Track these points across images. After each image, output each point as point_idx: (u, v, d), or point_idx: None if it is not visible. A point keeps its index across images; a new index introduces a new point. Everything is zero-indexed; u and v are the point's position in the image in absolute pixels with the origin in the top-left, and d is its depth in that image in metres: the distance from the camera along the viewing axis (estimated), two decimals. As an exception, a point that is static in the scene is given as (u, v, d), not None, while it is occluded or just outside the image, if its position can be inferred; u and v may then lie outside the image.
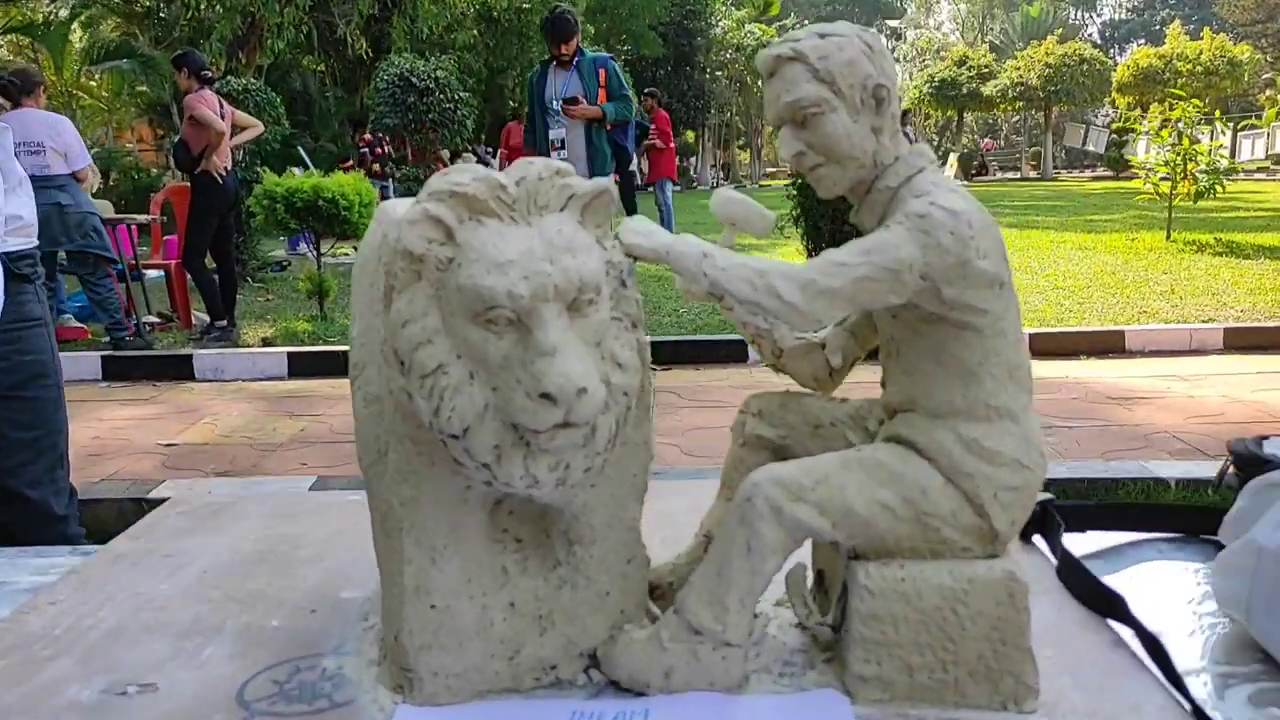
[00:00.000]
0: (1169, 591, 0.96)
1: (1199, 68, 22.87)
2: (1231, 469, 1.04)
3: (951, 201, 0.73)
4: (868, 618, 0.73)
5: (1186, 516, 1.08)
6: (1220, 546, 0.89)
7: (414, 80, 11.50)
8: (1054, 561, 0.95)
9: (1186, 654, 0.83)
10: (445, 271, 0.70)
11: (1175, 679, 0.75)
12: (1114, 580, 1.00)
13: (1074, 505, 1.08)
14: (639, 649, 0.76)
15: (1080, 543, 1.06)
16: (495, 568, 0.78)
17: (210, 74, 5.74)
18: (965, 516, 0.73)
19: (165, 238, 6.67)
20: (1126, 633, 0.82)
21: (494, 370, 0.70)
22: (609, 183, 0.74)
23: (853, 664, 0.74)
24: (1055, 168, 27.23)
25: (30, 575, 1.06)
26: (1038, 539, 1.01)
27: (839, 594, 0.78)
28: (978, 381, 0.74)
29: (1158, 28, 36.08)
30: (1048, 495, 1.04)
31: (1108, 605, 0.85)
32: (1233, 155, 16.38)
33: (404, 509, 0.77)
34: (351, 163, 10.54)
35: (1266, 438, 1.03)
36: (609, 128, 5.29)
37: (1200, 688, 0.78)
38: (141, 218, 6.64)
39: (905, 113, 12.71)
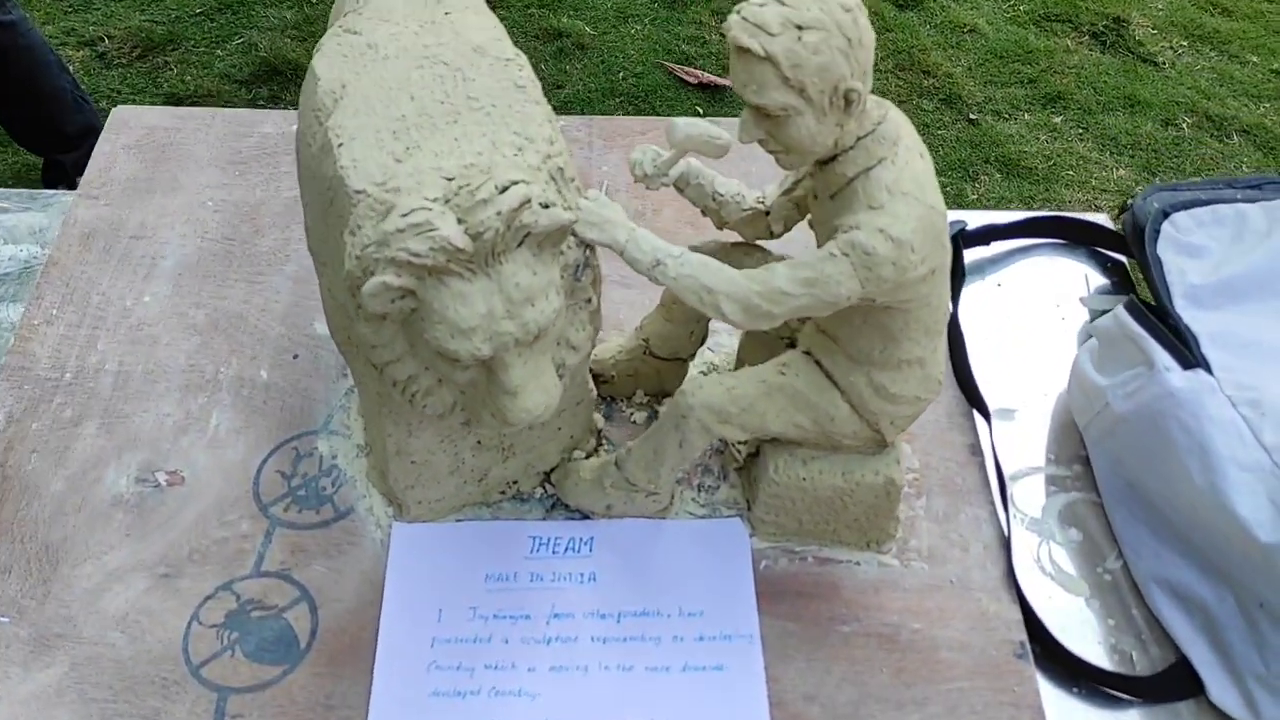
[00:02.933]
0: (1043, 289, 1.13)
1: None
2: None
3: (900, 227, 0.73)
4: (771, 496, 0.90)
5: (1087, 230, 1.17)
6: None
7: None
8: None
9: (1028, 436, 1.02)
10: (408, 315, 0.72)
11: (1006, 506, 0.96)
12: (997, 275, 1.15)
13: (986, 227, 1.16)
14: (586, 487, 0.93)
15: (983, 252, 1.18)
16: (462, 428, 0.91)
17: None
18: (864, 433, 0.86)
19: None
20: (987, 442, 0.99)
21: (460, 386, 0.76)
22: (568, 219, 0.71)
23: (755, 510, 0.93)
24: None
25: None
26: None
27: (751, 453, 0.94)
28: (895, 343, 0.81)
29: None
30: (960, 222, 1.13)
31: (980, 408, 1.01)
32: None
33: (379, 397, 0.87)
34: None
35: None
36: None
37: (1026, 490, 0.99)
38: None
39: None
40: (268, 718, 0.83)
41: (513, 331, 0.71)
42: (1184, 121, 2.68)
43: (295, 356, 1.05)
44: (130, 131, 1.23)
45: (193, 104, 2.51)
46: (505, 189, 0.69)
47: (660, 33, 2.83)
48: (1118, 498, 0.95)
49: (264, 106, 2.52)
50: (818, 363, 0.85)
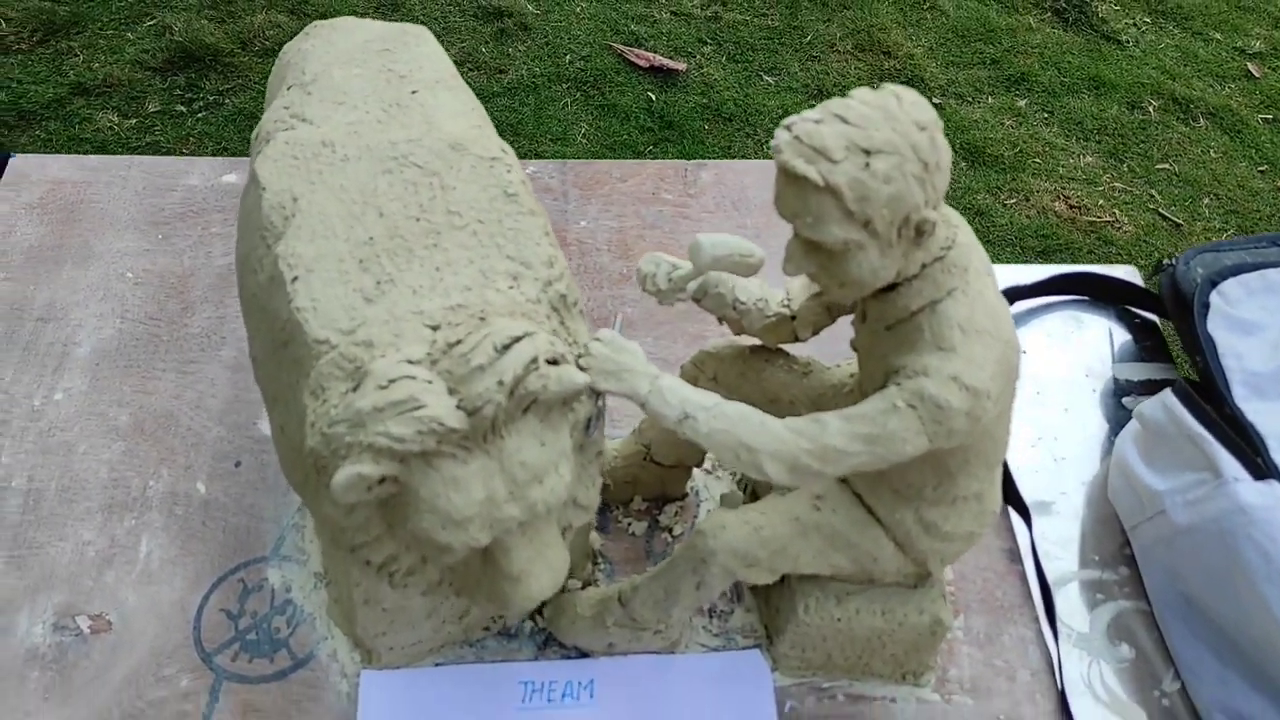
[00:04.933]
0: (1070, 355, 1.03)
1: None
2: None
3: (976, 374, 0.61)
4: (800, 634, 0.79)
5: (1117, 288, 1.07)
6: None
7: None
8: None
9: (1065, 534, 0.92)
10: (389, 499, 0.59)
11: (1053, 621, 0.86)
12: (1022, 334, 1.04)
13: (1008, 289, 1.05)
14: (585, 625, 0.81)
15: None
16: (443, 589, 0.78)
17: None
18: (907, 569, 0.76)
19: None
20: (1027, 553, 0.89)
21: (450, 565, 0.63)
22: (583, 382, 0.59)
23: (779, 646, 0.82)
24: None
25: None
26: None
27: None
28: (952, 479, 0.70)
29: None
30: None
31: (1020, 508, 0.91)
32: None
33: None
34: None
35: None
36: None
37: (1070, 598, 0.89)
38: None
39: None
40: None
41: (517, 516, 0.58)
42: (1150, 104, 2.60)
43: (237, 464, 0.90)
44: (32, 187, 1.06)
45: (101, 94, 2.30)
46: (506, 347, 0.56)
47: (608, 11, 2.67)
48: (1174, 613, 0.86)
49: (181, 96, 2.32)
50: (857, 495, 0.74)
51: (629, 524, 0.90)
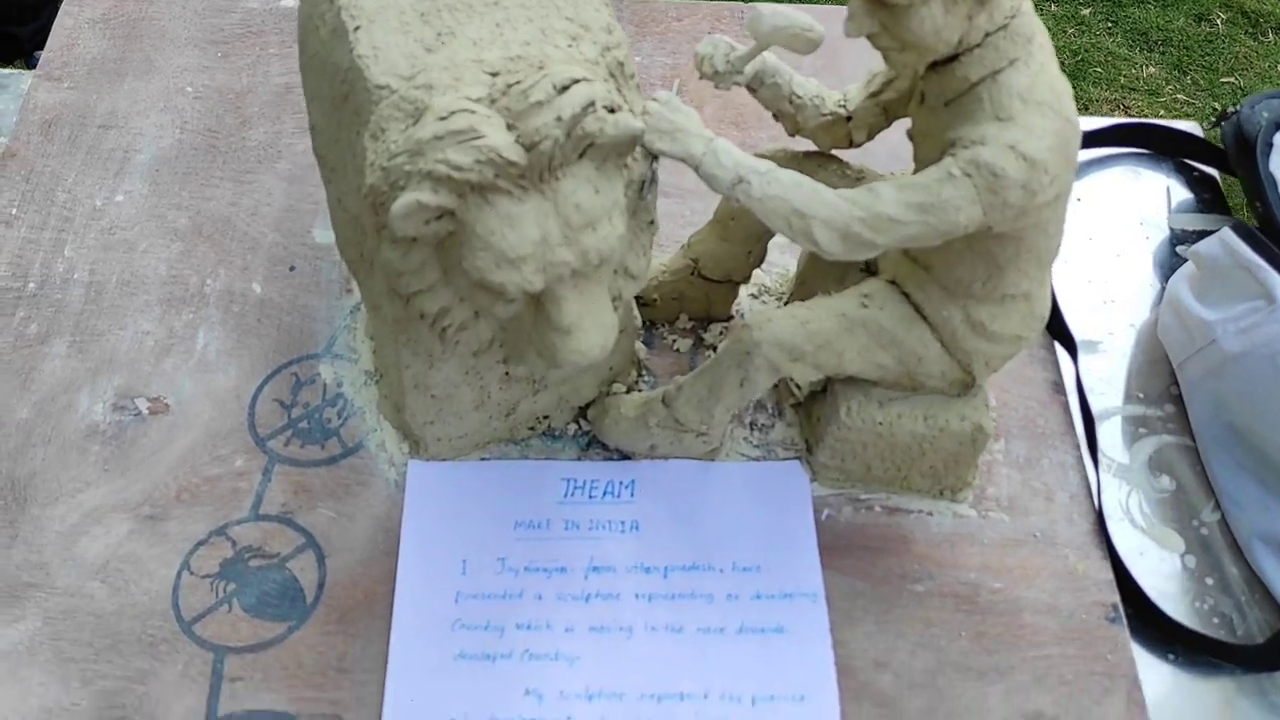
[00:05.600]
0: (1125, 205, 1.03)
1: None
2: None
3: (1034, 143, 0.61)
4: (841, 439, 0.80)
5: (1177, 139, 1.05)
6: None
7: None
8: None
9: (1111, 372, 0.92)
10: (445, 238, 0.60)
11: (1094, 452, 0.86)
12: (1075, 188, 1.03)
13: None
14: (628, 426, 0.83)
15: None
16: (491, 358, 0.79)
17: None
18: (952, 374, 0.76)
19: None
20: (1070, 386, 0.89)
21: (502, 321, 0.65)
22: (639, 128, 0.59)
23: (818, 454, 0.83)
24: None
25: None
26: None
27: (814, 390, 0.83)
28: (1001, 274, 0.70)
29: None
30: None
31: (1066, 342, 0.91)
32: None
33: (396, 324, 0.75)
34: None
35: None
36: None
37: (1112, 432, 0.90)
38: None
39: None
40: (272, 682, 0.73)
41: (570, 261, 0.59)
42: (1218, 17, 2.53)
43: (292, 268, 0.92)
44: (95, 3, 1.08)
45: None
46: (565, 88, 0.57)
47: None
48: (1218, 444, 0.85)
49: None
50: (905, 294, 0.74)
51: (673, 340, 0.90)
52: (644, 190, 0.65)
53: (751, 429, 0.86)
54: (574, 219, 0.58)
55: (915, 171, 0.71)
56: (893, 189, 0.63)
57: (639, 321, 0.83)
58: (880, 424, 0.78)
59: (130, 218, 0.94)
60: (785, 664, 0.76)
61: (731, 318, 0.92)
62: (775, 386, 0.87)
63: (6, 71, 1.07)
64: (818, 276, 0.83)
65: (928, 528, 0.82)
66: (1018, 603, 0.79)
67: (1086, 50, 2.43)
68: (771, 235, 0.84)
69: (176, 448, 0.83)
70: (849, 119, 0.76)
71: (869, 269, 0.78)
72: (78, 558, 0.77)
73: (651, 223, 0.69)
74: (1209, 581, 0.82)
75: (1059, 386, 0.89)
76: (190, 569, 0.78)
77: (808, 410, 0.85)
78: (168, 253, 0.92)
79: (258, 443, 0.83)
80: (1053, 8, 2.52)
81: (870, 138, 0.77)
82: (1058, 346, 0.91)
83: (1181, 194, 1.05)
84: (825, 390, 0.82)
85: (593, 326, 0.63)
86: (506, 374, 0.80)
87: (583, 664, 0.76)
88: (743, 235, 0.83)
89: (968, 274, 0.70)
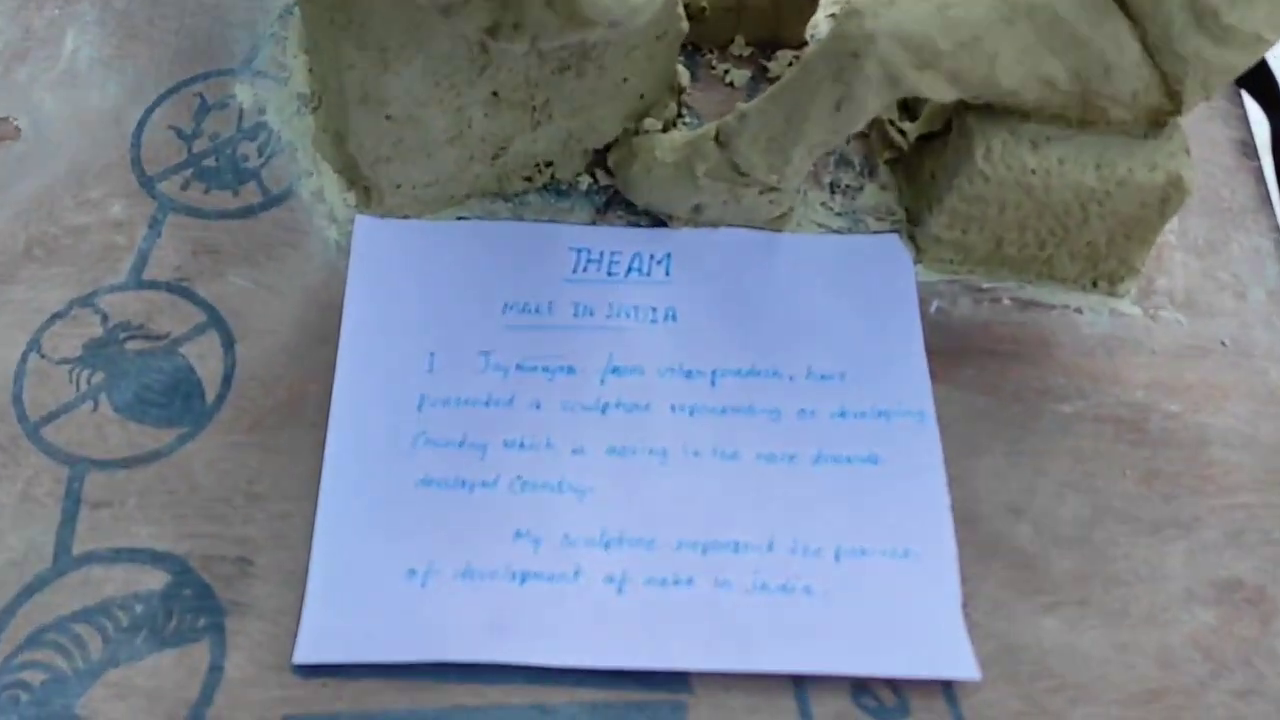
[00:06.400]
0: None
1: None
2: None
3: None
4: (972, 197, 0.56)
5: None
6: None
7: None
8: None
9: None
10: None
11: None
12: None
13: None
14: (664, 176, 0.59)
15: None
16: (472, 53, 0.55)
17: None
18: (1148, 98, 0.52)
19: None
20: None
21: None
22: None
23: (930, 223, 0.59)
24: None
25: None
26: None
27: (925, 134, 0.59)
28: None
29: None
30: None
31: (1264, 94, 0.66)
32: None
33: (336, 1, 0.51)
34: None
35: None
36: None
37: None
38: None
39: None
40: (151, 510, 0.51)
41: None
42: None
43: (203, -44, 0.66)
44: None
45: None
46: None
47: None
48: None
49: None
50: (1098, -31, 0.49)
51: (725, 70, 0.66)
52: None
53: (832, 191, 0.62)
54: None
55: None
56: None
57: (685, 25, 0.58)
58: (1033, 173, 0.54)
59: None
60: (881, 507, 0.54)
61: (805, 43, 0.67)
62: (865, 134, 0.63)
63: None
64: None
65: (1077, 329, 0.59)
66: (1202, 432, 0.57)
67: None
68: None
69: (28, 186, 0.59)
70: None
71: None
72: (-117, 331, 0.54)
73: None
74: None
75: (1249, 148, 0.66)
76: (41, 351, 0.55)
77: (914, 165, 0.61)
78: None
79: (143, 184, 0.60)
80: None
81: None
82: (1247, 99, 0.67)
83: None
84: (946, 130, 0.58)
85: None
86: (494, 94, 0.56)
87: (596, 498, 0.53)
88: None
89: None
